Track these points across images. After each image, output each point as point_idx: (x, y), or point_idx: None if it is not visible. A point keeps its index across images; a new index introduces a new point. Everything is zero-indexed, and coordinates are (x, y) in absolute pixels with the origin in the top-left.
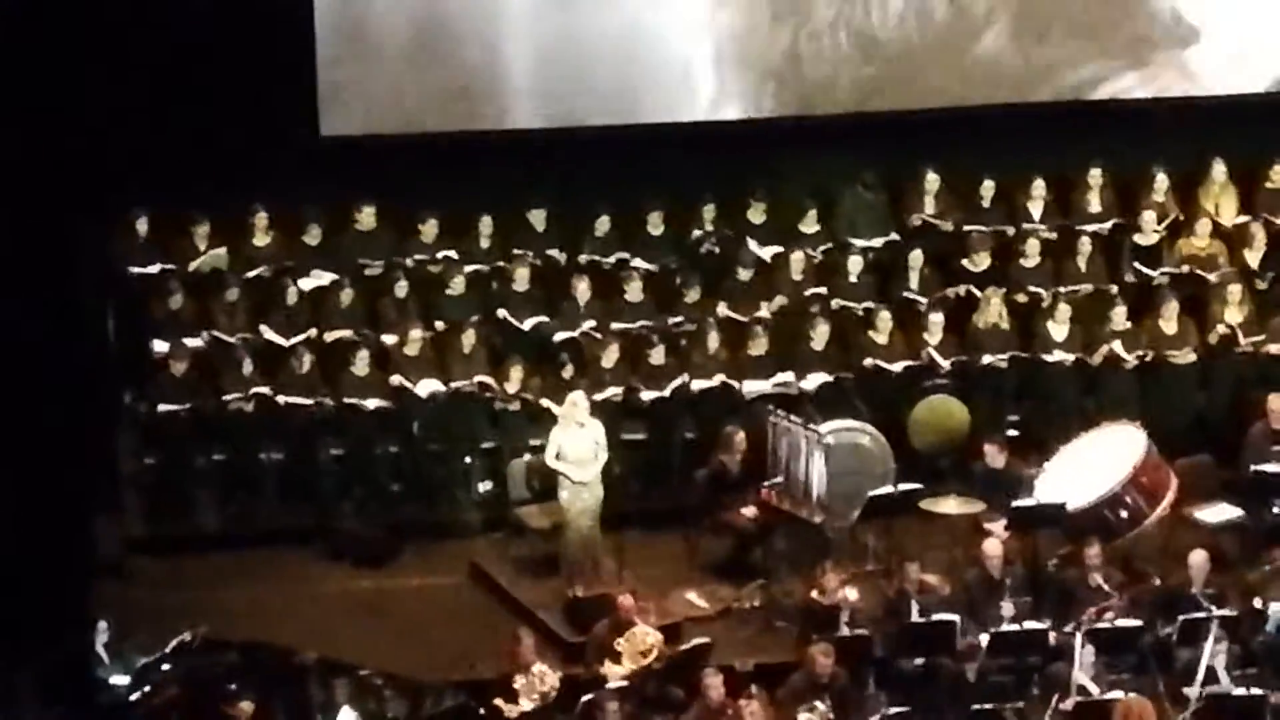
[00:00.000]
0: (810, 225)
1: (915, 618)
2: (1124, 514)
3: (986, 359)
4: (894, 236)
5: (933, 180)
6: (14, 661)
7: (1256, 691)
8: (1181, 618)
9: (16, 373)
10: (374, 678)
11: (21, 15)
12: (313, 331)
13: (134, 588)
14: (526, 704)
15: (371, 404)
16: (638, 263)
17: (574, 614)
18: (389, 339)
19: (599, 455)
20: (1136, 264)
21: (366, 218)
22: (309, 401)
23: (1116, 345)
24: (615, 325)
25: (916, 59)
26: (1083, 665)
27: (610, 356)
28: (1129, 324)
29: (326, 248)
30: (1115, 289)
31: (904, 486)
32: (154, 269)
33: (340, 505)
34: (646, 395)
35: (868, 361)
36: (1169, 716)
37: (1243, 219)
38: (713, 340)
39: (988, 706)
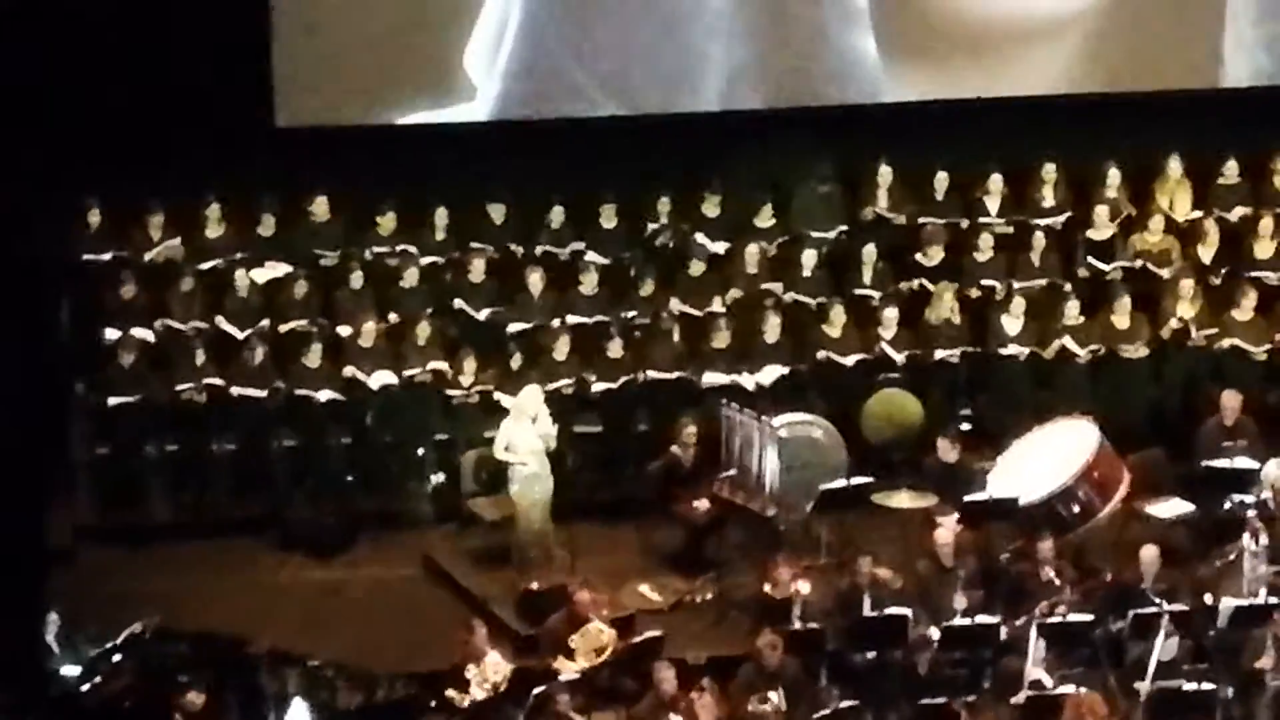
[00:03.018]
0: (764, 219)
1: (868, 611)
2: (1076, 508)
3: (939, 353)
4: (845, 229)
5: (886, 173)
6: None
7: (1207, 686)
8: (1133, 612)
9: None
10: (326, 668)
11: None
12: (266, 322)
13: (85, 578)
14: (478, 693)
15: (324, 395)
16: (592, 255)
17: (526, 606)
18: (343, 330)
19: (548, 447)
20: (1090, 259)
21: (319, 208)
22: (262, 392)
23: (1068, 340)
24: (570, 318)
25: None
26: (1035, 659)
27: (563, 348)
28: (1082, 318)
29: (280, 239)
30: (1068, 284)
31: (857, 480)
32: (107, 256)
33: (293, 496)
34: (599, 387)
35: (821, 355)
36: (1120, 710)
37: (1195, 214)
38: (669, 333)
39: (940, 700)
